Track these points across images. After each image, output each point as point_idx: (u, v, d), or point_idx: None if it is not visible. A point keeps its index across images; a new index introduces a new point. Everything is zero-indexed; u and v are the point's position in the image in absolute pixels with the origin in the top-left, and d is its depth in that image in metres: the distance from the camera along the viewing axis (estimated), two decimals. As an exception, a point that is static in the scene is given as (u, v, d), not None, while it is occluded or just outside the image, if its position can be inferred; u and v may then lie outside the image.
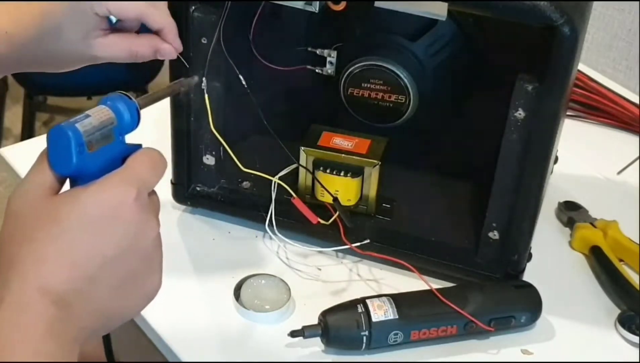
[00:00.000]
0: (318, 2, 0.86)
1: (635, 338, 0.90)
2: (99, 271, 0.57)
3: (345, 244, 0.92)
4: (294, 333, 0.84)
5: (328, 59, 0.97)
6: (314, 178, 0.94)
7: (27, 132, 2.32)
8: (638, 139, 1.23)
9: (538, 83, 0.82)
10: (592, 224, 1.02)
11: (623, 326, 0.91)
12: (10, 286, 0.56)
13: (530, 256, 0.92)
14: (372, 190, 0.95)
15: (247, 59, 0.95)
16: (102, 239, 0.57)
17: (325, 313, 0.85)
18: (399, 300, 0.86)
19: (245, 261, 0.96)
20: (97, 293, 0.58)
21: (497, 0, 0.79)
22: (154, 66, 2.16)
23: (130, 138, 0.63)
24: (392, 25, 0.96)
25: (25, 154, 1.10)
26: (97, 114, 0.60)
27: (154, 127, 0.94)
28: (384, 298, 0.86)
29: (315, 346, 0.86)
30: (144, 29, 0.82)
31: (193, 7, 0.89)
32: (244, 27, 0.94)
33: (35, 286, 0.55)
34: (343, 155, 0.94)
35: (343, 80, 0.97)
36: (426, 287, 0.88)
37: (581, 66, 1.30)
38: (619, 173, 1.16)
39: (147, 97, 0.69)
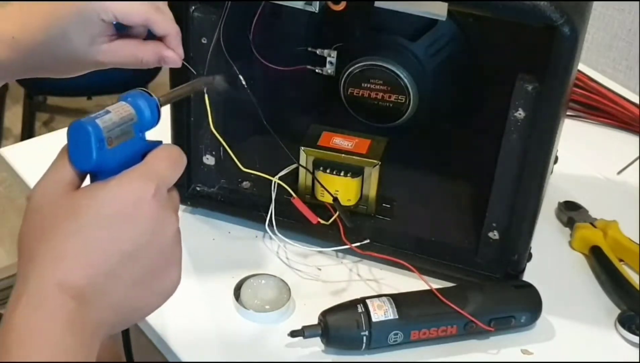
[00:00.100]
0: (318, 2, 0.86)
1: (635, 338, 0.90)
2: (118, 267, 0.58)
3: (345, 244, 0.92)
4: (294, 333, 0.84)
5: (328, 59, 0.97)
6: (314, 178, 0.94)
7: (27, 133, 2.32)
8: (638, 139, 1.23)
9: (538, 83, 0.82)
10: (592, 224, 1.02)
11: (623, 326, 0.91)
12: (29, 282, 0.56)
13: (530, 256, 0.92)
14: (372, 190, 0.95)
15: (247, 59, 0.95)
16: (121, 234, 0.58)
17: (325, 313, 0.85)
18: (399, 300, 0.86)
19: (245, 261, 0.96)
20: (116, 288, 0.58)
21: (497, 0, 0.79)
22: (153, 66, 2.16)
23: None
24: (392, 25, 0.97)
25: (25, 154, 1.10)
26: (117, 110, 0.60)
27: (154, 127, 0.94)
28: (384, 298, 0.86)
29: (315, 346, 0.86)
30: (150, 35, 0.82)
31: (193, 7, 0.89)
32: (244, 27, 0.94)
33: (54, 282, 0.56)
34: (343, 155, 0.94)
35: (343, 80, 0.97)
36: (426, 287, 0.88)
37: (581, 66, 1.30)
38: (619, 173, 1.16)
39: (167, 94, 0.70)
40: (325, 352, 0.86)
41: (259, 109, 0.90)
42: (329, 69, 0.97)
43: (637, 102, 1.27)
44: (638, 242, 1.00)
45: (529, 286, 0.90)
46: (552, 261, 0.99)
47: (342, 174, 0.94)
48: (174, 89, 0.74)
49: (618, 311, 0.93)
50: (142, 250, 0.59)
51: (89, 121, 0.58)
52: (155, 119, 0.63)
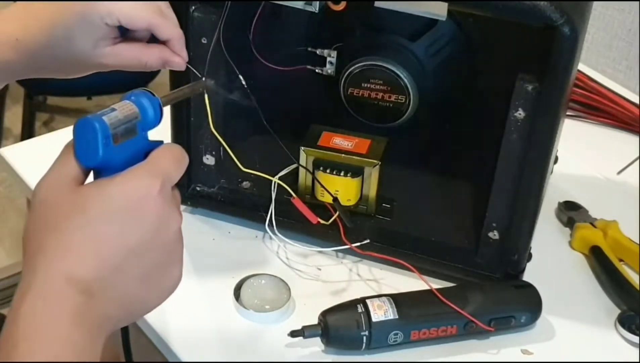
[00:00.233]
0: (318, 2, 0.86)
1: (635, 338, 0.90)
2: (124, 261, 0.58)
3: (345, 244, 0.92)
4: (294, 333, 0.84)
5: (328, 59, 0.97)
6: (314, 178, 0.94)
7: (27, 132, 2.32)
8: (638, 139, 1.23)
9: (538, 83, 0.82)
10: (592, 224, 1.02)
11: (623, 326, 0.91)
12: (37, 274, 0.56)
13: (530, 256, 0.92)
14: (372, 190, 0.95)
15: (247, 59, 0.95)
16: (127, 229, 0.58)
17: (325, 313, 0.85)
18: (399, 300, 0.86)
19: (245, 261, 0.96)
20: (122, 282, 0.59)
21: (497, 0, 0.79)
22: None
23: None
24: (392, 25, 0.96)
25: (25, 154, 1.10)
26: (122, 108, 0.61)
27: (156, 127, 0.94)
28: (384, 298, 0.86)
29: (315, 346, 0.86)
30: (153, 37, 0.83)
31: (193, 7, 0.89)
32: (244, 27, 0.94)
33: (62, 275, 0.56)
34: (343, 155, 0.94)
35: (343, 80, 0.97)
36: (426, 287, 0.88)
37: (581, 66, 1.30)
38: (619, 173, 1.16)
39: (168, 95, 0.71)
40: (325, 352, 0.86)
41: (259, 109, 0.90)
42: (329, 69, 0.97)
43: (637, 102, 1.27)
44: (638, 242, 1.00)
45: (529, 286, 0.90)
46: (552, 261, 0.99)
47: (342, 174, 0.94)
48: (174, 90, 0.74)
49: (618, 311, 0.93)
50: (147, 245, 0.59)
51: (96, 118, 0.58)
52: (158, 118, 0.63)
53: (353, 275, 0.96)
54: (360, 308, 0.85)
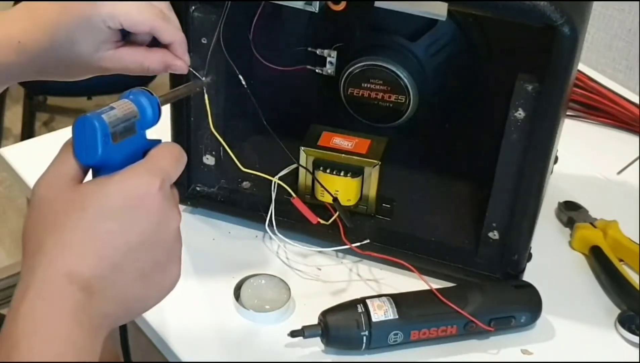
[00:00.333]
0: (318, 2, 0.86)
1: (635, 338, 0.90)
2: (124, 259, 0.58)
3: (345, 244, 0.92)
4: (294, 333, 0.84)
5: (328, 59, 0.97)
6: (314, 178, 0.94)
7: (27, 132, 2.32)
8: (638, 139, 1.23)
9: (538, 83, 0.82)
10: (592, 224, 1.02)
11: (623, 326, 0.91)
12: (37, 272, 0.56)
13: (530, 256, 0.92)
14: (372, 190, 0.95)
15: (247, 59, 0.95)
16: (127, 227, 0.58)
17: (325, 313, 0.85)
18: (399, 300, 0.86)
19: (245, 261, 0.96)
20: (121, 281, 0.59)
21: (497, 0, 0.79)
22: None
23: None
24: (392, 25, 0.97)
25: (25, 154, 1.10)
26: (121, 107, 0.61)
27: (154, 127, 0.93)
28: (384, 298, 0.86)
29: (315, 346, 0.86)
30: (155, 40, 0.83)
31: (193, 7, 0.89)
32: (244, 27, 0.94)
33: (62, 273, 0.56)
34: (343, 155, 0.94)
35: (343, 80, 0.97)
36: (426, 287, 0.88)
37: (581, 66, 1.30)
38: (619, 173, 1.16)
39: (167, 94, 0.71)
40: (325, 352, 0.86)
41: (259, 109, 0.90)
42: (329, 69, 0.97)
43: (637, 102, 1.27)
44: (638, 242, 1.00)
45: (529, 286, 0.90)
46: (552, 261, 0.99)
47: (342, 174, 0.94)
48: (172, 90, 0.75)
49: (618, 311, 0.93)
50: (147, 243, 0.59)
51: (95, 116, 0.59)
52: (157, 117, 0.64)
53: (353, 275, 0.96)
54: (360, 308, 0.85)
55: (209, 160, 0.98)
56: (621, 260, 0.99)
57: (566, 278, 0.98)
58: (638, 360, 0.89)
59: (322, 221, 0.92)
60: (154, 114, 0.63)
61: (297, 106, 1.04)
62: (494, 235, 0.91)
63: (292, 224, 0.95)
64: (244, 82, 0.91)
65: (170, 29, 0.81)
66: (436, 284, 0.89)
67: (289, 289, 0.91)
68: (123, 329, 0.75)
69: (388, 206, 0.98)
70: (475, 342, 0.89)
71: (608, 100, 1.26)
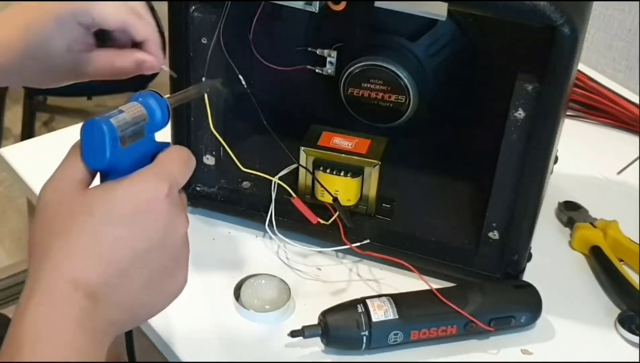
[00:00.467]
0: (318, 2, 0.86)
1: (635, 338, 0.90)
2: (131, 265, 0.58)
3: (345, 244, 0.92)
4: (294, 333, 0.84)
5: (328, 59, 0.97)
6: (314, 178, 0.94)
7: (27, 133, 2.32)
8: (638, 139, 1.23)
9: (538, 83, 0.82)
10: (592, 224, 1.02)
11: (623, 326, 0.91)
12: (42, 278, 0.56)
13: (530, 256, 0.92)
14: (372, 190, 0.95)
15: (247, 59, 0.95)
16: (134, 233, 0.58)
17: (325, 313, 0.85)
18: (399, 300, 0.86)
19: (245, 261, 0.96)
20: (127, 287, 0.58)
21: (497, 0, 0.79)
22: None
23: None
24: (392, 25, 0.97)
25: (25, 154, 1.10)
26: (130, 110, 0.60)
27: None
28: (384, 298, 0.86)
29: (315, 346, 0.86)
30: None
31: (193, 7, 0.89)
32: (244, 27, 0.94)
33: (67, 279, 0.56)
34: (343, 155, 0.94)
35: (343, 80, 0.97)
36: (426, 287, 0.88)
37: (581, 66, 1.30)
38: (619, 173, 1.16)
39: (175, 96, 0.70)
40: (325, 352, 0.86)
41: (259, 109, 0.90)
42: (329, 69, 0.97)
43: (637, 102, 1.27)
44: (638, 242, 1.00)
45: (529, 286, 0.90)
46: (552, 261, 0.99)
47: (342, 174, 0.94)
48: (180, 92, 0.73)
49: (618, 311, 0.93)
50: (154, 250, 0.59)
51: (103, 120, 0.58)
52: (166, 119, 0.63)
53: (353, 275, 0.96)
54: (360, 308, 0.85)
55: (209, 160, 0.98)
56: (621, 260, 0.99)
57: (566, 278, 0.98)
58: (638, 360, 0.89)
59: (322, 221, 0.92)
60: (163, 117, 0.62)
61: (297, 106, 1.04)
62: (494, 235, 0.91)
63: (292, 224, 0.95)
64: (244, 82, 0.91)
65: (143, 25, 0.80)
66: (436, 284, 0.89)
67: (289, 289, 0.91)
68: (129, 332, 0.75)
69: (388, 206, 0.98)
70: (475, 342, 0.89)
71: (608, 100, 1.26)
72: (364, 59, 0.96)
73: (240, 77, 0.91)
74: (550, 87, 0.81)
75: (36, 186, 1.00)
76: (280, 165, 0.95)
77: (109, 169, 0.59)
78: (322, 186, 0.93)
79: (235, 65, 0.91)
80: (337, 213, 0.91)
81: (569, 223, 1.04)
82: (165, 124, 0.63)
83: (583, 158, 1.17)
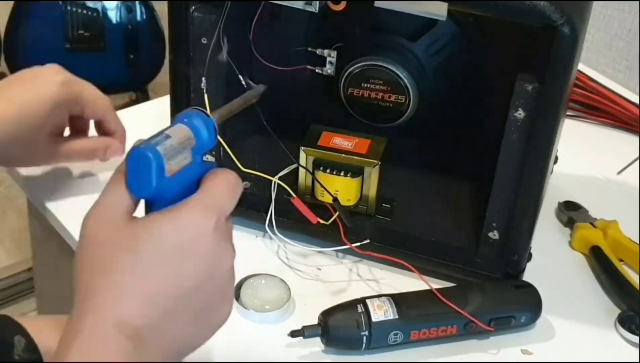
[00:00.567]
0: (318, 2, 0.86)
1: (635, 338, 0.90)
2: (176, 305, 0.57)
3: (345, 244, 0.92)
4: (294, 333, 0.84)
5: (328, 59, 0.97)
6: (314, 178, 0.94)
7: (27, 133, 2.32)
8: (638, 139, 1.23)
9: (538, 83, 0.82)
10: (592, 224, 1.02)
11: (623, 326, 0.91)
12: (86, 320, 0.55)
13: (530, 256, 0.92)
14: (372, 190, 0.95)
15: (247, 59, 0.95)
16: (180, 272, 0.56)
17: (325, 313, 0.85)
18: (399, 300, 0.86)
19: (245, 261, 0.96)
20: (172, 326, 0.57)
21: (497, 0, 0.79)
22: (153, 66, 2.17)
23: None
24: (392, 25, 0.97)
25: (25, 154, 1.10)
26: (176, 135, 0.58)
27: (154, 128, 0.93)
28: (384, 298, 0.86)
29: (315, 346, 0.86)
30: None
31: (193, 7, 0.89)
32: (244, 27, 0.94)
33: (111, 322, 0.55)
34: (343, 155, 0.94)
35: (343, 80, 0.97)
36: (426, 287, 0.88)
37: (581, 66, 1.30)
38: (619, 173, 1.16)
39: (220, 111, 0.68)
40: (325, 352, 0.86)
41: (259, 109, 0.90)
42: (329, 69, 0.97)
43: (637, 102, 1.27)
44: (638, 242, 1.00)
45: (529, 286, 0.90)
46: (552, 261, 0.99)
47: (342, 174, 0.94)
48: (225, 106, 0.71)
49: (618, 311, 0.93)
50: (200, 286, 0.58)
51: (149, 148, 0.56)
52: (213, 140, 0.61)
53: (353, 275, 0.96)
54: (360, 308, 0.85)
55: (209, 160, 0.98)
56: (621, 260, 0.99)
57: (566, 278, 0.98)
58: (638, 360, 0.89)
59: (322, 221, 0.92)
60: (210, 137, 0.60)
61: (297, 106, 1.04)
62: (494, 235, 0.91)
63: (292, 224, 0.95)
64: (244, 83, 0.91)
65: (117, 119, 0.94)
66: (436, 284, 0.89)
67: (289, 289, 0.91)
68: None
69: (388, 206, 0.98)
70: (475, 342, 0.89)
71: (608, 100, 1.26)
72: (363, 59, 0.96)
73: (241, 77, 0.91)
74: (550, 87, 0.81)
75: (36, 186, 0.99)
76: (280, 165, 0.95)
77: (155, 198, 0.58)
78: (322, 186, 0.93)
79: (235, 65, 0.91)
80: (337, 213, 0.91)
81: (569, 223, 1.04)
82: (213, 145, 0.61)
83: (583, 158, 1.17)
